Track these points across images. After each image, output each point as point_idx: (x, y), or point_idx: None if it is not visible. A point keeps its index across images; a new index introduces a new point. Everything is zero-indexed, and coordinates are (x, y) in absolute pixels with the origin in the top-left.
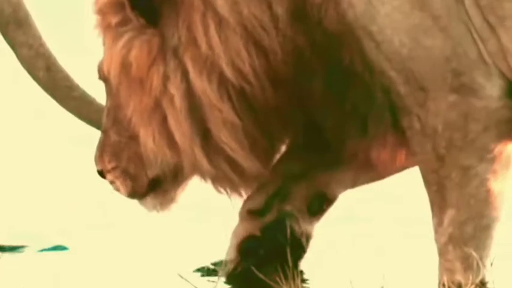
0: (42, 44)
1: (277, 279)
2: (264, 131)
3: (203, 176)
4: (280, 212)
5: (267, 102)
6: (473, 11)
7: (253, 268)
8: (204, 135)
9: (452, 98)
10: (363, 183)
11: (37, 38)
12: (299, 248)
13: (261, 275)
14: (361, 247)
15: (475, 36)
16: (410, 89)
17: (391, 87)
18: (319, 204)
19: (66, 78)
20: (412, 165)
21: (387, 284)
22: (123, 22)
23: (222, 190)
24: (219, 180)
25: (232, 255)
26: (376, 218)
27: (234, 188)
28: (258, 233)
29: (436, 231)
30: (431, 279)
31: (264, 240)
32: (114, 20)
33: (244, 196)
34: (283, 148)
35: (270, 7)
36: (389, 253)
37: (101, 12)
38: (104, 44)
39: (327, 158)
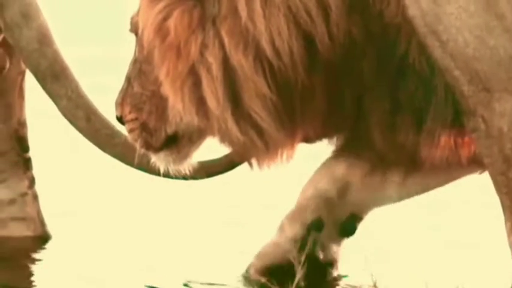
0: (80, 95)
1: None
2: (286, 107)
3: (229, 140)
4: (315, 243)
5: (295, 83)
6: None
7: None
8: (236, 103)
9: None
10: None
11: (75, 89)
12: (324, 276)
13: None
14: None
15: None
16: (474, 89)
17: (455, 87)
18: (351, 226)
19: (107, 126)
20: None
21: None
22: None
23: (241, 156)
24: (243, 146)
25: (256, 273)
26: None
27: (251, 155)
28: (286, 262)
29: (509, 236)
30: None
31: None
32: None
33: (255, 167)
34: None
35: None
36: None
37: None
38: (140, 4)
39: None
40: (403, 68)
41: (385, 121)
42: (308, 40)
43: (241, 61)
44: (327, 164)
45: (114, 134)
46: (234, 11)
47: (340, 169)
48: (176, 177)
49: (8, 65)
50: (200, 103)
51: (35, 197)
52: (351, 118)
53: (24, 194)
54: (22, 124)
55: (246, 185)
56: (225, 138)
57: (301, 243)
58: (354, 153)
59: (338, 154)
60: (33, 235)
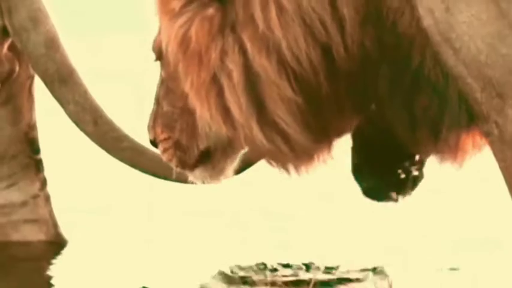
0: (88, 99)
1: None
2: (315, 112)
3: (255, 149)
4: None
5: (319, 90)
6: None
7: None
8: (260, 109)
9: None
10: None
11: (82, 93)
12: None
13: None
14: None
15: None
16: (487, 96)
17: (468, 94)
18: None
19: (114, 129)
20: None
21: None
22: (188, 2)
23: (273, 164)
24: (270, 153)
25: None
26: None
27: (284, 162)
28: None
29: None
30: None
31: None
32: (179, 3)
33: (292, 173)
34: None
35: (333, 6)
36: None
37: None
38: (160, 24)
39: None
40: (418, 81)
41: (406, 135)
42: (325, 50)
43: (265, 65)
44: None
45: (121, 137)
46: (251, 18)
47: None
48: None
49: (17, 69)
50: (226, 111)
51: (47, 199)
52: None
53: (35, 196)
54: (32, 127)
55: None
56: (251, 146)
57: None
58: None
59: None
60: (46, 237)
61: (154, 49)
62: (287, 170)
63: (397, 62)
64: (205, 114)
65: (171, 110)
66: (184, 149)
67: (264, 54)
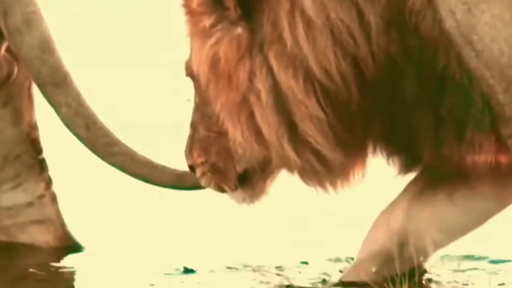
0: (81, 103)
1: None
2: (346, 127)
3: (290, 168)
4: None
5: (350, 102)
6: None
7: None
8: (291, 128)
9: None
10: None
11: (76, 97)
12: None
13: None
14: None
15: None
16: (510, 97)
17: (491, 95)
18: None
19: (106, 134)
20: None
21: None
22: (217, 21)
23: (309, 183)
24: (305, 172)
25: None
26: None
27: (320, 180)
28: None
29: None
30: None
31: None
32: (208, 21)
33: (329, 190)
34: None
35: (360, 15)
36: None
37: (196, 12)
38: (191, 45)
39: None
40: (444, 82)
41: (430, 137)
42: (354, 61)
43: (292, 85)
44: (384, 215)
45: (113, 142)
46: (279, 36)
47: (397, 221)
48: (187, 188)
49: (15, 71)
50: (257, 132)
51: (53, 198)
52: (403, 137)
53: (41, 196)
54: (33, 127)
55: None
56: (285, 165)
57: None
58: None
59: (396, 202)
60: (54, 237)
61: (186, 69)
62: (324, 188)
63: (422, 66)
64: (237, 135)
65: (207, 135)
66: (222, 173)
67: (290, 73)
